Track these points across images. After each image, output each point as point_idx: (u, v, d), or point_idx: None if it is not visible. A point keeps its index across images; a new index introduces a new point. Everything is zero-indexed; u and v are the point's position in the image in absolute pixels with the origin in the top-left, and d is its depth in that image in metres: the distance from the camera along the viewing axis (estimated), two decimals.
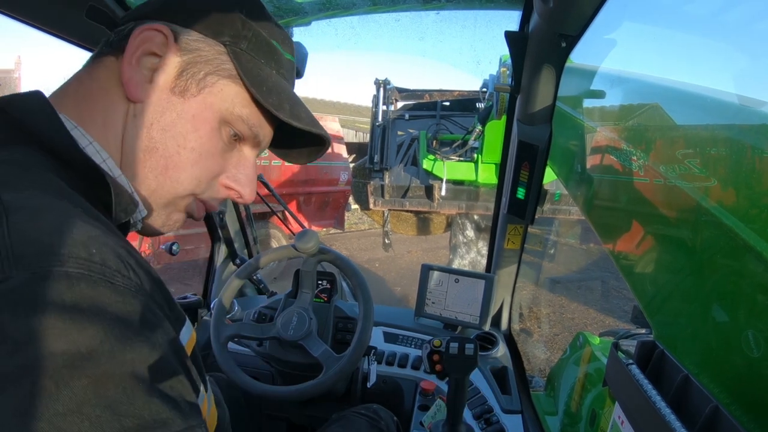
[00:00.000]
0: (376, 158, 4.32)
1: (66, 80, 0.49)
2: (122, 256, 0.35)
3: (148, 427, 0.30)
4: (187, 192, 0.50)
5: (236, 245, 1.67)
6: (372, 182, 4.38)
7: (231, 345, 1.22)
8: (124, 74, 0.46)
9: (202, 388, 0.46)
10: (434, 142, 4.39)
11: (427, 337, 1.37)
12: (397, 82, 4.83)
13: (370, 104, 4.70)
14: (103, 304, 0.31)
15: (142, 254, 0.40)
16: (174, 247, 1.53)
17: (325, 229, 6.65)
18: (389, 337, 1.40)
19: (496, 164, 3.90)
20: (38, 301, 0.29)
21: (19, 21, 0.86)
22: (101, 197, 0.42)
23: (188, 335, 0.45)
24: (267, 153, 5.23)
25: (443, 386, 1.21)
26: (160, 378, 0.33)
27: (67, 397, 0.28)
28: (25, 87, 5.22)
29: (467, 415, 1.14)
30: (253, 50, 0.51)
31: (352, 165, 6.09)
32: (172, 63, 0.47)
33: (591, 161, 1.01)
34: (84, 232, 0.34)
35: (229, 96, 0.49)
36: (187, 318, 0.46)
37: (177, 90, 0.47)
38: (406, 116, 4.80)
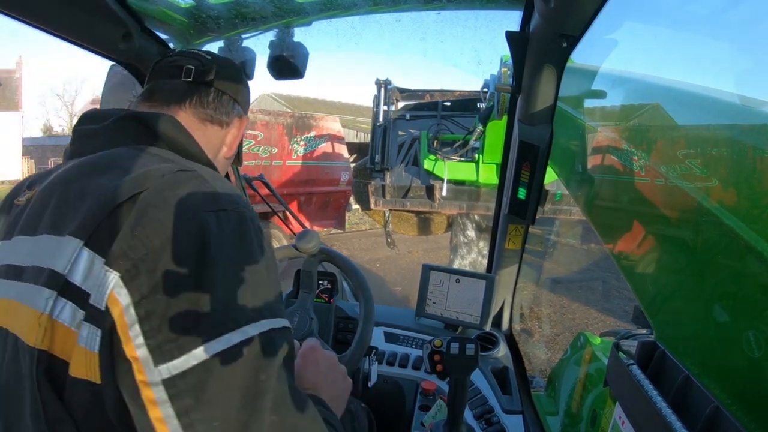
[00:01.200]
0: (377, 158, 4.31)
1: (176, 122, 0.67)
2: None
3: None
4: None
5: None
6: (373, 182, 4.37)
7: None
8: (234, 145, 0.76)
9: None
10: (435, 142, 4.38)
11: (428, 338, 1.37)
12: (398, 82, 4.81)
13: (371, 104, 4.68)
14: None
15: None
16: None
17: (325, 229, 6.66)
18: (390, 337, 1.40)
19: (497, 164, 3.89)
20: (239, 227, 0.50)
21: (20, 21, 0.86)
22: None
23: None
24: (268, 154, 5.17)
25: (444, 386, 1.21)
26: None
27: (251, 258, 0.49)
28: (26, 87, 5.23)
29: (468, 415, 1.14)
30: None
31: (353, 165, 6.09)
32: None
33: (592, 161, 1.01)
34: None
35: None
36: None
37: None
38: (407, 116, 4.80)
